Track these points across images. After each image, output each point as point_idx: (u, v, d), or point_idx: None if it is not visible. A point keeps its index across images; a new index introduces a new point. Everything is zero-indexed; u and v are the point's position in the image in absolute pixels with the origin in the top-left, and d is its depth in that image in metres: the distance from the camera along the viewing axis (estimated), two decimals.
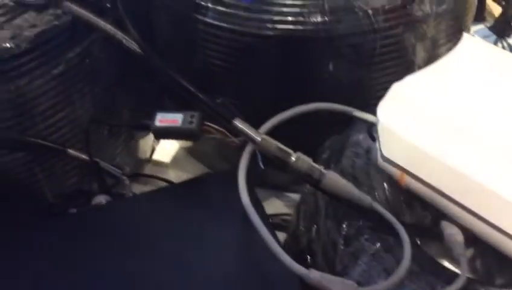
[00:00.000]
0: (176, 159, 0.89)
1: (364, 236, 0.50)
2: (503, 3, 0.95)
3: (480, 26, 1.00)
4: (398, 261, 0.47)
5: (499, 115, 0.46)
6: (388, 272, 0.47)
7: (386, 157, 0.50)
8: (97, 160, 0.64)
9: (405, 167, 0.49)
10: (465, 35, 0.51)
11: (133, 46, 0.61)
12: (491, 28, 0.99)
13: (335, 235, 0.54)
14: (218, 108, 0.53)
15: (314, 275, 0.42)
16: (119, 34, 0.62)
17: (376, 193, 0.54)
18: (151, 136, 0.78)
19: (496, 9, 1.01)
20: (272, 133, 0.55)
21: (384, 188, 0.54)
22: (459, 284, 0.42)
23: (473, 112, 0.46)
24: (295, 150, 0.53)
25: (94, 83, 0.69)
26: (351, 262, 0.51)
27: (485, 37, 0.98)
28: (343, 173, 0.56)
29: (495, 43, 0.96)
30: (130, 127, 0.75)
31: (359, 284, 0.45)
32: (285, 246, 0.64)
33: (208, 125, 0.54)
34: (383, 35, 0.61)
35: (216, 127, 0.54)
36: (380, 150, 0.50)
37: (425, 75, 0.49)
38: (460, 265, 0.45)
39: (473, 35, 0.98)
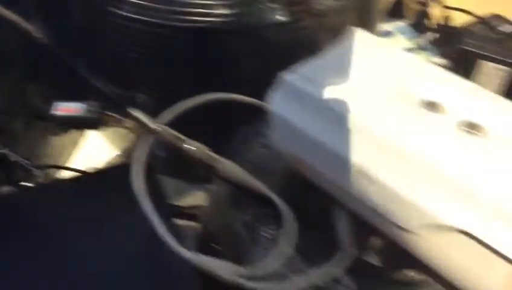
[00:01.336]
0: (100, 151, 0.89)
1: (263, 223, 0.52)
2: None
3: (400, 23, 1.04)
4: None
5: (379, 105, 0.48)
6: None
7: (278, 145, 0.52)
8: (4, 151, 0.63)
9: (296, 154, 0.51)
10: (352, 29, 0.54)
11: (39, 35, 0.61)
12: (411, 25, 1.03)
13: (237, 224, 0.55)
14: (114, 96, 0.53)
15: (198, 258, 0.44)
16: (25, 24, 0.61)
17: (275, 180, 0.56)
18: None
19: (417, 7, 1.05)
20: (184, 126, 0.56)
21: (282, 174, 0.57)
22: (341, 261, 0.45)
23: (356, 101, 0.48)
24: (206, 144, 0.55)
25: (2, 74, 0.68)
26: (251, 248, 0.53)
27: (403, 34, 1.02)
28: (250, 164, 0.58)
29: (414, 39, 1.01)
30: (27, 116, 0.73)
31: None
32: (199, 238, 0.65)
33: (108, 115, 0.55)
34: (286, 28, 0.62)
35: (116, 116, 0.54)
36: (273, 138, 0.52)
37: (313, 64, 0.51)
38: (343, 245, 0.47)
39: (391, 32, 1.03)
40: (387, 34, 1.03)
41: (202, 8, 0.63)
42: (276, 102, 0.50)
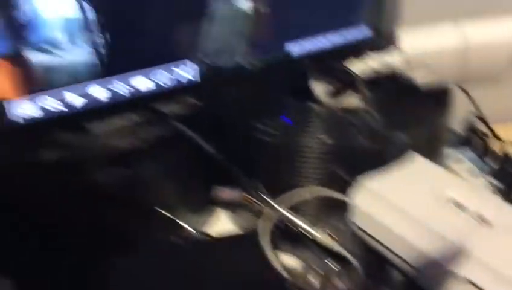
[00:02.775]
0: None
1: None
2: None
3: (468, 152, 1.30)
4: None
5: (425, 205, 0.75)
6: None
7: (359, 227, 0.80)
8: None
9: (372, 234, 0.78)
10: (413, 154, 0.83)
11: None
12: (477, 154, 1.29)
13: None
14: (253, 184, 0.85)
15: None
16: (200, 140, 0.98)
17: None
18: None
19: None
20: None
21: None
22: None
23: (411, 202, 0.75)
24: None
25: None
26: None
27: (470, 160, 1.28)
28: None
29: (479, 166, 1.26)
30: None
31: None
32: None
33: (249, 199, 0.86)
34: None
35: (251, 198, 0.85)
36: (352, 220, 0.80)
37: (386, 175, 0.80)
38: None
39: (461, 157, 1.29)
40: (457, 159, 1.30)
41: None
42: (359, 198, 0.79)
